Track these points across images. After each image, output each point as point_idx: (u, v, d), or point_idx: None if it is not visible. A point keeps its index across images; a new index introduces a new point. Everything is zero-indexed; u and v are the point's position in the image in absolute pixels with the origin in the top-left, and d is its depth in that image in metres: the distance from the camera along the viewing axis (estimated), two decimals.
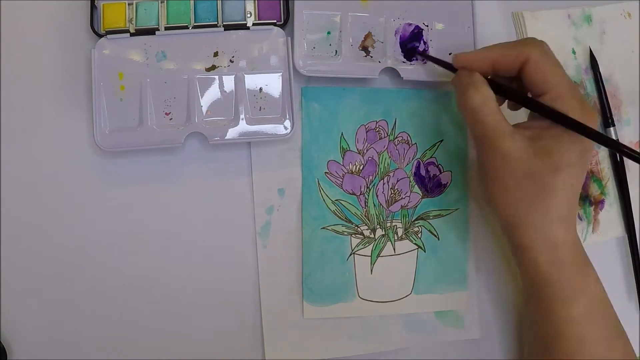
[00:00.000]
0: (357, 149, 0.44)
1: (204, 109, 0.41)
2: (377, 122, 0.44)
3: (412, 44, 0.44)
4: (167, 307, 0.41)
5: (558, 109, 0.34)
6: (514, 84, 0.39)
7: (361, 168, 0.44)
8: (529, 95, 0.37)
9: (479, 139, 0.36)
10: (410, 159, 0.44)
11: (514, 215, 0.36)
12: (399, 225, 0.44)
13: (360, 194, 0.43)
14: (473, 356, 0.44)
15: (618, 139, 0.47)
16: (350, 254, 0.43)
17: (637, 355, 0.47)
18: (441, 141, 0.45)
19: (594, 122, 0.35)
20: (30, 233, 0.41)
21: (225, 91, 0.41)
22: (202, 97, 0.41)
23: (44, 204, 0.41)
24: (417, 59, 0.44)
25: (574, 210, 0.36)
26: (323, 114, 0.44)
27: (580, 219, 0.46)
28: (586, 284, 0.36)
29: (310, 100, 0.43)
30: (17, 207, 0.41)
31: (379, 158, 0.44)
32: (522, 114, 0.40)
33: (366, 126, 0.44)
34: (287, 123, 0.41)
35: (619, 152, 0.33)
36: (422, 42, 0.44)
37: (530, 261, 0.36)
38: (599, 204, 0.47)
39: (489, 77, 0.38)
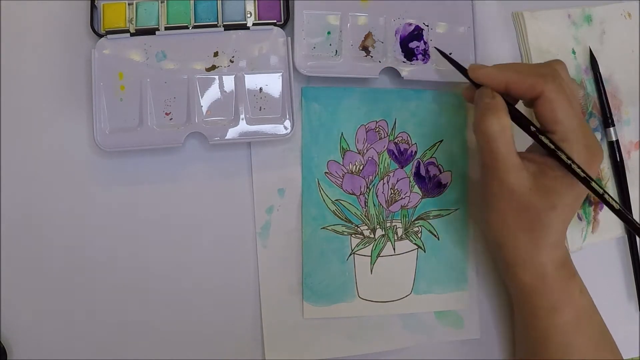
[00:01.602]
0: (357, 149, 0.44)
1: (204, 109, 0.41)
2: (377, 122, 0.44)
3: (413, 43, 0.44)
4: (167, 307, 0.41)
5: (565, 151, 0.36)
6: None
7: (361, 168, 0.44)
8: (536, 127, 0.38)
9: (488, 166, 0.37)
10: (410, 159, 0.44)
11: (504, 238, 0.38)
12: (399, 225, 0.44)
13: (360, 194, 0.43)
14: (473, 356, 0.44)
15: (618, 139, 0.47)
16: (350, 254, 0.43)
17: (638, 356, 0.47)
18: (441, 141, 0.45)
19: (596, 167, 0.37)
20: (30, 233, 0.41)
21: (225, 91, 0.41)
22: (202, 97, 0.41)
23: (44, 204, 0.41)
24: (417, 58, 0.44)
25: (563, 236, 0.38)
26: (323, 114, 0.44)
27: (580, 219, 0.46)
28: (571, 295, 0.38)
29: (310, 100, 0.43)
30: (17, 207, 0.41)
31: (379, 158, 0.44)
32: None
33: (366, 126, 0.44)
34: (287, 123, 0.41)
35: (605, 203, 0.36)
36: (422, 42, 0.44)
37: (515, 276, 0.38)
38: (598, 204, 0.47)
39: (509, 103, 0.38)
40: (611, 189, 0.48)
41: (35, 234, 0.41)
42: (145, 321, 0.41)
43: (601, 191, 0.35)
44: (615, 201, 0.36)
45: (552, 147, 0.36)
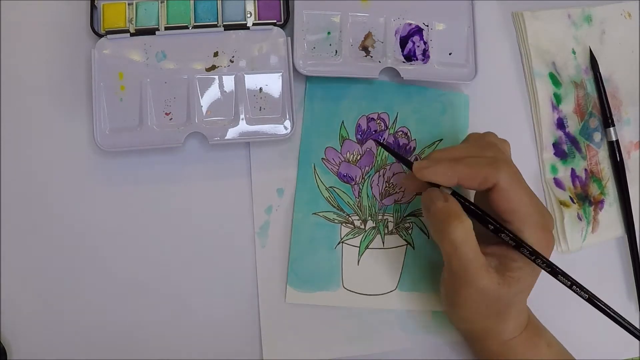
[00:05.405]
0: (357, 139, 0.44)
1: (204, 109, 0.41)
2: (378, 114, 0.44)
3: (412, 43, 0.44)
4: (166, 306, 0.42)
5: (523, 239, 0.35)
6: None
7: (358, 158, 0.44)
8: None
9: (455, 271, 0.36)
10: (408, 154, 0.44)
11: (473, 326, 0.39)
12: (391, 219, 0.44)
13: (355, 184, 0.43)
14: (471, 356, 0.44)
15: (618, 139, 0.47)
16: (339, 243, 0.43)
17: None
18: (440, 140, 0.45)
19: (550, 249, 0.37)
20: (30, 233, 0.41)
21: (225, 91, 0.41)
22: (202, 97, 0.41)
23: (44, 204, 0.41)
24: (417, 59, 0.44)
25: (525, 303, 0.39)
26: (326, 100, 0.44)
27: (580, 219, 0.46)
28: (539, 352, 0.39)
29: (315, 84, 0.43)
30: (17, 207, 0.41)
31: (377, 150, 0.44)
32: None
33: (367, 117, 0.44)
34: (287, 123, 0.41)
35: (575, 292, 0.36)
36: (422, 42, 0.44)
37: (483, 346, 0.39)
38: (598, 204, 0.47)
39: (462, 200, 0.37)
40: (611, 189, 0.48)
41: (35, 233, 0.41)
42: (143, 320, 0.41)
43: (569, 283, 0.35)
44: (585, 290, 0.35)
45: (514, 244, 0.36)
